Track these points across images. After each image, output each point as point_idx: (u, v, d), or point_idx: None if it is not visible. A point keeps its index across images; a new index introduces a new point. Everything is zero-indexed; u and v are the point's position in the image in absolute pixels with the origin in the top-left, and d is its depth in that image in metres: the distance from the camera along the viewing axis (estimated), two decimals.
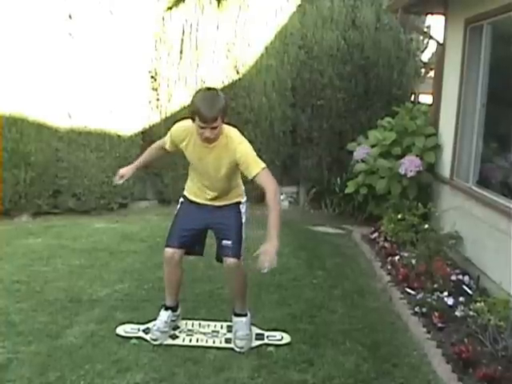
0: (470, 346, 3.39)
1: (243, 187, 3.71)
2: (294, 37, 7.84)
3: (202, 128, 3.23)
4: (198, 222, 3.59)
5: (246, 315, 3.69)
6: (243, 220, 3.62)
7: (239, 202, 3.65)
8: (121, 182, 3.82)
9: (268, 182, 3.26)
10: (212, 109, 3.19)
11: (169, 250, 3.56)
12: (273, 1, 7.71)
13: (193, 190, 3.66)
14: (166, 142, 3.63)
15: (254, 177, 3.28)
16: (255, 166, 3.30)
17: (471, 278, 4.66)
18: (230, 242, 3.50)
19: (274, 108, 7.81)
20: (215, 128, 3.25)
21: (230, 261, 3.49)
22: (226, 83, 7.60)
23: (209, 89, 3.51)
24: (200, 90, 3.50)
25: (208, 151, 3.39)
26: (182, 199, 3.73)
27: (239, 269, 3.57)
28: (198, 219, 3.59)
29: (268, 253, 3.04)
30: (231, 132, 3.42)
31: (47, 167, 7.00)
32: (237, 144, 3.36)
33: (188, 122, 3.43)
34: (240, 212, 3.63)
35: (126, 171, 3.81)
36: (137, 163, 3.86)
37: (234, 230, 3.55)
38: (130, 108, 7.32)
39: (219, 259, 3.60)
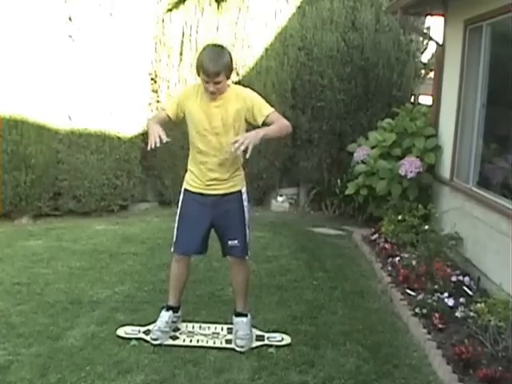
0: (470, 346, 3.38)
1: (243, 173, 3.69)
2: (294, 38, 7.85)
3: (206, 82, 3.35)
4: (202, 223, 3.57)
5: (246, 315, 3.70)
6: (246, 214, 3.62)
7: (241, 192, 3.60)
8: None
9: (281, 118, 3.48)
10: (215, 63, 3.32)
11: (177, 256, 3.64)
12: (272, 2, 7.72)
13: (194, 174, 3.56)
14: (169, 107, 3.60)
15: (267, 117, 3.42)
16: (267, 108, 3.47)
17: (471, 279, 4.65)
18: (236, 242, 3.54)
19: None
20: (218, 83, 3.34)
21: (237, 258, 3.59)
22: None
23: (215, 45, 3.62)
24: (207, 45, 3.57)
25: (216, 104, 3.44)
26: (182, 195, 3.66)
27: (245, 264, 3.66)
28: (203, 219, 3.55)
29: (248, 136, 3.27)
30: (241, 88, 3.62)
31: (47, 169, 7.00)
32: (247, 94, 3.52)
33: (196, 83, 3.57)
34: (243, 205, 3.60)
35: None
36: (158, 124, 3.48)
37: (240, 228, 3.57)
38: (130, 110, 7.32)
39: (225, 254, 3.67)
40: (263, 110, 3.45)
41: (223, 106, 3.44)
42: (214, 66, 3.29)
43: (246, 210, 3.62)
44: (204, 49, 3.47)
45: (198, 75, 3.42)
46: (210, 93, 3.39)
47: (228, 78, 3.41)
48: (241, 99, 3.45)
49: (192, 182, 3.60)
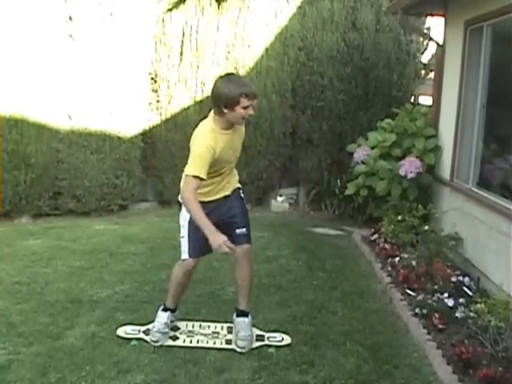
0: (470, 347, 3.39)
1: None
2: (294, 38, 7.85)
3: (247, 107, 3.38)
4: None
5: (248, 316, 3.69)
6: (246, 206, 3.79)
7: (239, 188, 3.78)
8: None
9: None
10: (251, 84, 3.46)
11: (191, 262, 3.52)
12: (273, 2, 7.72)
13: (212, 193, 3.56)
14: (201, 172, 3.29)
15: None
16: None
17: (471, 280, 4.66)
18: (244, 230, 3.62)
19: (273, 109, 7.80)
20: None
21: (247, 246, 3.61)
22: None
23: (229, 74, 3.69)
24: (222, 77, 3.46)
25: (233, 133, 3.51)
26: None
27: (252, 255, 3.71)
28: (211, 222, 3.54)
29: None
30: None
31: (47, 168, 7.00)
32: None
33: (203, 132, 3.42)
34: (243, 198, 3.77)
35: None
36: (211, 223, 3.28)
37: (245, 217, 3.69)
38: (130, 109, 7.33)
39: None
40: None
41: (238, 132, 3.58)
42: (253, 87, 3.47)
43: (244, 202, 3.79)
44: (226, 81, 3.38)
45: (228, 108, 3.33)
46: (246, 117, 3.45)
47: None
48: (240, 129, 3.66)
49: (207, 197, 3.56)
